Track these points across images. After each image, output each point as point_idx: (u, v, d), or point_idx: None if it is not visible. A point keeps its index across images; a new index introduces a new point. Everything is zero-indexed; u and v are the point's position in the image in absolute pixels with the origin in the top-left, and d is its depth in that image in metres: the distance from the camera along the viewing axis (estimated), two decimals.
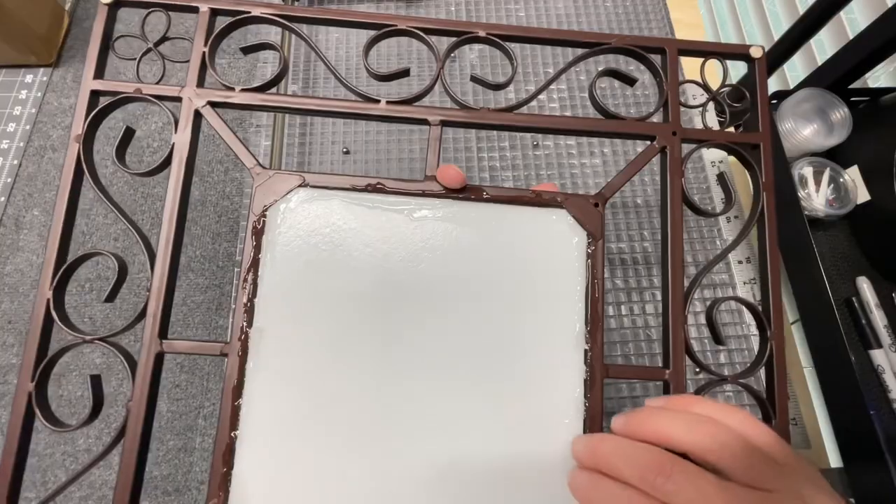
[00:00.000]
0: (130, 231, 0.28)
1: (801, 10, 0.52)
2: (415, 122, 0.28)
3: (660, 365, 0.27)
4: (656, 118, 0.30)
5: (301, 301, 0.25)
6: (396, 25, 0.29)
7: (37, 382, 0.25)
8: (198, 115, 0.28)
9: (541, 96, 0.55)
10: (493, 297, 0.25)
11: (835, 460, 0.42)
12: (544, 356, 0.25)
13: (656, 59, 0.30)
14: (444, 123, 0.28)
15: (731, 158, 0.53)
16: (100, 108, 0.28)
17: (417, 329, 0.25)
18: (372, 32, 0.29)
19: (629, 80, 0.29)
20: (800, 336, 0.46)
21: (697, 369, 0.27)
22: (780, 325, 0.27)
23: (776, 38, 0.50)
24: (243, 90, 0.28)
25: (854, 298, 0.45)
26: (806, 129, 0.48)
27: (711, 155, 0.52)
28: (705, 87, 0.29)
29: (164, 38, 0.29)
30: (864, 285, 0.45)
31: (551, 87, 0.55)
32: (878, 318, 0.44)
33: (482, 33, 0.29)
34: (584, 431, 0.24)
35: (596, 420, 0.24)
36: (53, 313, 0.25)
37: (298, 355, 0.24)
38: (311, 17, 0.29)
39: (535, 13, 0.60)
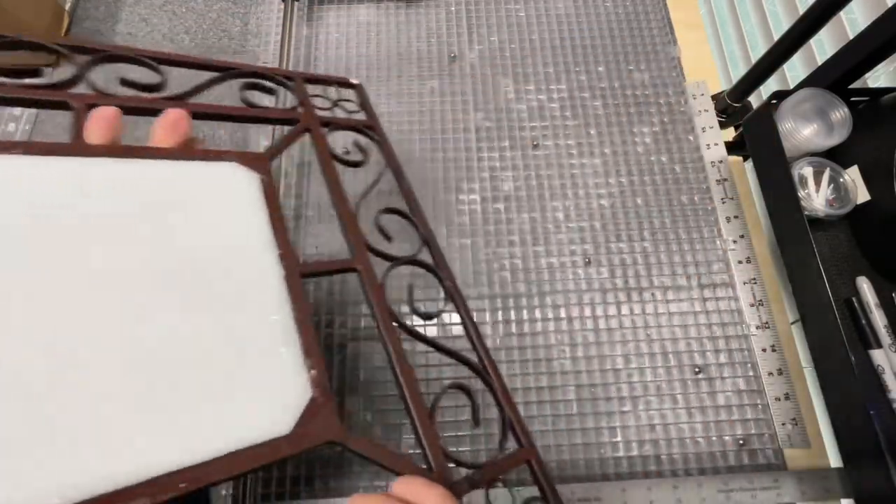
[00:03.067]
0: None
1: (801, 10, 0.52)
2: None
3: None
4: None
5: None
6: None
7: None
8: None
9: (541, 96, 0.55)
10: (183, 234, 0.26)
11: (835, 460, 0.42)
12: (243, 266, 0.26)
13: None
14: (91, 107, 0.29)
15: (731, 158, 0.53)
16: None
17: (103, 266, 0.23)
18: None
19: (269, 91, 0.35)
20: (800, 336, 0.46)
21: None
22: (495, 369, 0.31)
23: (776, 38, 0.50)
24: None
25: (854, 298, 0.45)
26: (806, 129, 0.48)
27: (711, 155, 0.53)
28: (330, 99, 0.38)
29: None
30: (864, 285, 0.45)
31: (551, 87, 0.56)
32: (878, 318, 0.44)
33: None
34: (297, 328, 0.25)
35: (300, 302, 0.26)
36: None
37: None
38: None
39: (535, 13, 0.60)
